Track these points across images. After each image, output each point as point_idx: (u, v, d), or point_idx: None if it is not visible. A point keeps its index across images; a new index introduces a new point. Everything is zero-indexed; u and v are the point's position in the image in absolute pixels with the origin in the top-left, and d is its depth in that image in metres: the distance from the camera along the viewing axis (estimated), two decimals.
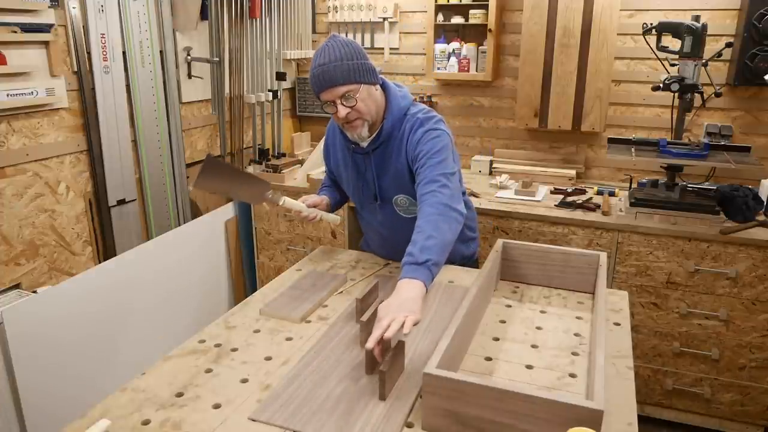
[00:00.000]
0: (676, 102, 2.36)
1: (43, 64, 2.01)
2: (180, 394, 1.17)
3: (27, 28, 1.92)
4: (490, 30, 2.81)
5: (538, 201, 2.57)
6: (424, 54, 3.03)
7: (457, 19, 2.90)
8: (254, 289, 2.96)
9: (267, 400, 1.14)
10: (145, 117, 2.42)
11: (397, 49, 3.20)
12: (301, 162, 3.04)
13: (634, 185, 2.54)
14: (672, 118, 2.42)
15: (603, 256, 1.60)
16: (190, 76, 2.68)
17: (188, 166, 2.71)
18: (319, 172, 2.57)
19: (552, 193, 2.69)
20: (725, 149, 2.36)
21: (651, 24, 2.33)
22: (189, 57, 2.65)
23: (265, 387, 1.19)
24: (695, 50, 2.23)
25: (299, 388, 1.18)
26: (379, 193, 1.71)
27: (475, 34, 2.95)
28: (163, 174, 2.54)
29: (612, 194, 2.65)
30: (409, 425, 1.08)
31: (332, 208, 1.89)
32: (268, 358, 1.30)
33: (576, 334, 1.41)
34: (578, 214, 2.40)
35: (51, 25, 2.00)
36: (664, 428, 2.49)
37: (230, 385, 1.20)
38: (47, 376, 1.83)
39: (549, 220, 2.42)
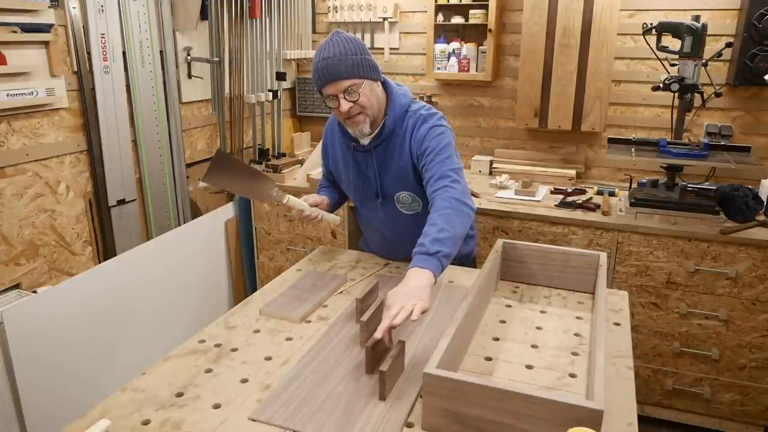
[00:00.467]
0: (676, 102, 2.36)
1: (43, 64, 2.01)
2: (180, 394, 1.17)
3: (27, 28, 1.92)
4: (490, 30, 2.81)
5: (538, 201, 2.57)
6: (424, 54, 3.03)
7: (457, 19, 2.90)
8: (254, 289, 2.96)
9: (267, 400, 1.14)
10: (145, 117, 2.42)
11: (397, 49, 3.20)
12: (301, 162, 3.04)
13: (634, 185, 2.54)
14: (672, 118, 2.42)
15: (603, 256, 1.60)
16: (190, 76, 2.68)
17: (188, 166, 2.71)
18: (318, 172, 2.57)
19: (552, 193, 2.69)
20: (725, 149, 2.36)
21: (651, 24, 2.33)
22: (189, 57, 2.65)
23: (265, 387, 1.19)
24: (695, 50, 2.23)
25: (299, 388, 1.18)
26: (380, 190, 1.71)
27: (475, 34, 2.95)
28: (163, 174, 2.54)
29: (612, 194, 2.65)
30: (409, 425, 1.08)
31: (332, 208, 1.89)
32: (268, 358, 1.30)
33: (576, 334, 1.41)
34: (578, 214, 2.40)
35: (51, 25, 2.00)
36: (664, 428, 2.49)
37: (230, 385, 1.20)
38: (47, 376, 1.83)
39: (549, 220, 2.42)
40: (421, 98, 3.09)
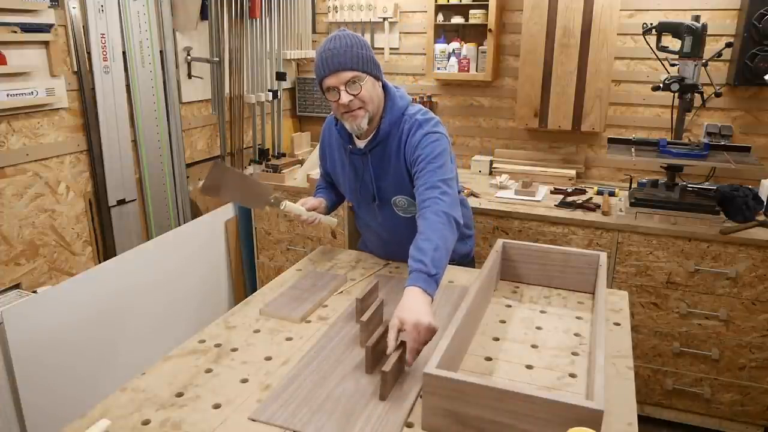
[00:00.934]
0: (676, 102, 2.36)
1: (43, 64, 2.01)
2: (180, 394, 1.17)
3: (27, 28, 1.92)
4: (490, 30, 2.81)
5: (538, 201, 2.57)
6: (424, 54, 3.03)
7: (457, 19, 2.90)
8: (254, 289, 2.96)
9: (267, 400, 1.14)
10: (145, 117, 2.42)
11: (397, 49, 3.20)
12: (300, 162, 3.04)
13: (634, 185, 2.54)
14: (672, 118, 2.42)
15: (603, 256, 1.60)
16: (190, 76, 2.68)
17: (188, 166, 2.71)
18: (318, 172, 2.57)
19: (552, 193, 2.69)
20: (725, 149, 2.36)
21: (651, 24, 2.33)
22: (189, 57, 2.65)
23: (265, 387, 1.19)
24: (695, 50, 2.23)
25: (299, 388, 1.18)
26: (377, 194, 1.71)
27: (475, 34, 2.95)
28: (163, 174, 2.54)
29: (612, 194, 2.65)
30: (409, 425, 1.08)
31: (329, 210, 1.89)
32: (268, 358, 1.30)
33: (576, 334, 1.41)
34: (578, 214, 2.40)
35: (51, 25, 2.00)
36: (664, 428, 2.49)
37: (230, 385, 1.20)
38: (47, 376, 1.83)
39: (549, 220, 2.42)
40: (421, 98, 3.09)
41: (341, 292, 1.66)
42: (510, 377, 1.23)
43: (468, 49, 2.91)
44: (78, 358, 1.94)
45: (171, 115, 2.55)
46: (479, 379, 1.02)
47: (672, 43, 2.31)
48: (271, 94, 2.93)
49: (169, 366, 1.27)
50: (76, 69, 2.12)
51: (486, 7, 2.79)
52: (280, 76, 2.98)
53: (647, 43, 2.38)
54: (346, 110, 1.53)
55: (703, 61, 2.26)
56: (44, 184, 2.07)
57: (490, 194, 2.67)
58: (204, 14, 2.65)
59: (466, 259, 1.90)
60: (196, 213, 2.80)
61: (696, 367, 2.37)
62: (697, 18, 2.25)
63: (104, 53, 2.20)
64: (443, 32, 2.98)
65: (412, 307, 1.23)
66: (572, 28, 2.61)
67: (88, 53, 2.15)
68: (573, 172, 2.84)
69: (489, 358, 1.30)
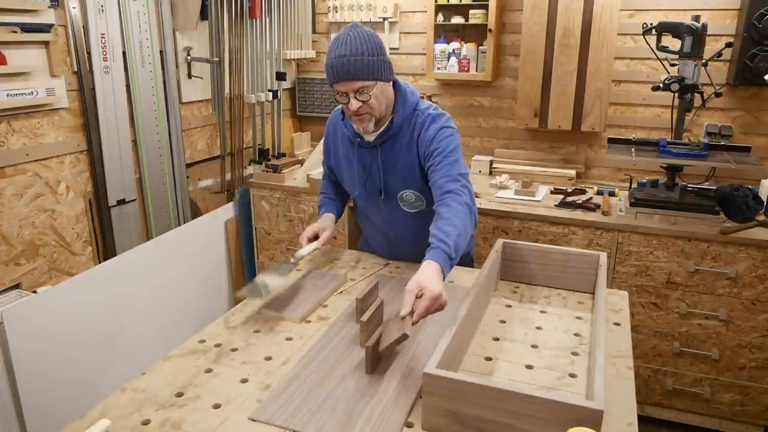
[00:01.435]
0: (676, 102, 2.36)
1: (43, 64, 2.00)
2: (180, 394, 1.17)
3: (27, 28, 1.92)
4: (490, 30, 2.81)
5: (538, 201, 2.57)
6: (424, 54, 3.03)
7: (457, 19, 2.90)
8: None
9: (267, 400, 1.14)
10: (145, 117, 2.42)
11: (397, 49, 3.20)
12: (301, 162, 3.04)
13: (634, 185, 2.54)
14: (672, 118, 2.42)
15: (603, 256, 1.60)
16: (190, 76, 2.68)
17: (188, 166, 2.71)
18: (319, 171, 2.57)
19: (552, 193, 2.69)
20: (725, 149, 2.36)
21: (651, 24, 2.33)
22: (189, 57, 2.65)
23: (265, 387, 1.19)
24: (695, 50, 2.23)
25: (299, 388, 1.18)
26: (384, 188, 1.71)
27: (475, 34, 2.95)
28: (163, 174, 2.54)
29: (612, 194, 2.65)
30: (409, 425, 1.08)
31: (336, 219, 1.88)
32: (268, 358, 1.30)
33: (576, 334, 1.41)
34: (578, 214, 2.40)
35: (51, 25, 2.00)
36: (664, 428, 2.49)
37: (230, 385, 1.20)
38: (47, 376, 1.83)
39: (549, 220, 2.42)
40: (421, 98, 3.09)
41: (341, 292, 1.66)
42: (510, 377, 1.23)
43: (468, 49, 2.91)
44: (78, 358, 1.94)
45: (171, 115, 2.55)
46: (479, 379, 1.02)
47: (672, 43, 2.31)
48: (271, 94, 2.93)
49: (169, 366, 1.27)
50: (76, 69, 2.12)
51: (486, 7, 2.79)
52: (280, 76, 2.98)
53: (647, 43, 2.38)
54: (353, 114, 1.55)
55: (703, 61, 2.26)
56: (44, 184, 2.07)
57: (490, 194, 2.67)
58: (204, 14, 2.65)
59: (465, 259, 1.90)
60: (196, 213, 2.80)
61: (696, 367, 2.37)
62: (697, 18, 2.25)
63: (104, 53, 2.20)
64: (443, 32, 2.98)
65: (433, 278, 1.24)
66: (572, 28, 2.61)
67: (88, 53, 2.15)
68: (573, 172, 2.84)
69: (489, 358, 1.30)
